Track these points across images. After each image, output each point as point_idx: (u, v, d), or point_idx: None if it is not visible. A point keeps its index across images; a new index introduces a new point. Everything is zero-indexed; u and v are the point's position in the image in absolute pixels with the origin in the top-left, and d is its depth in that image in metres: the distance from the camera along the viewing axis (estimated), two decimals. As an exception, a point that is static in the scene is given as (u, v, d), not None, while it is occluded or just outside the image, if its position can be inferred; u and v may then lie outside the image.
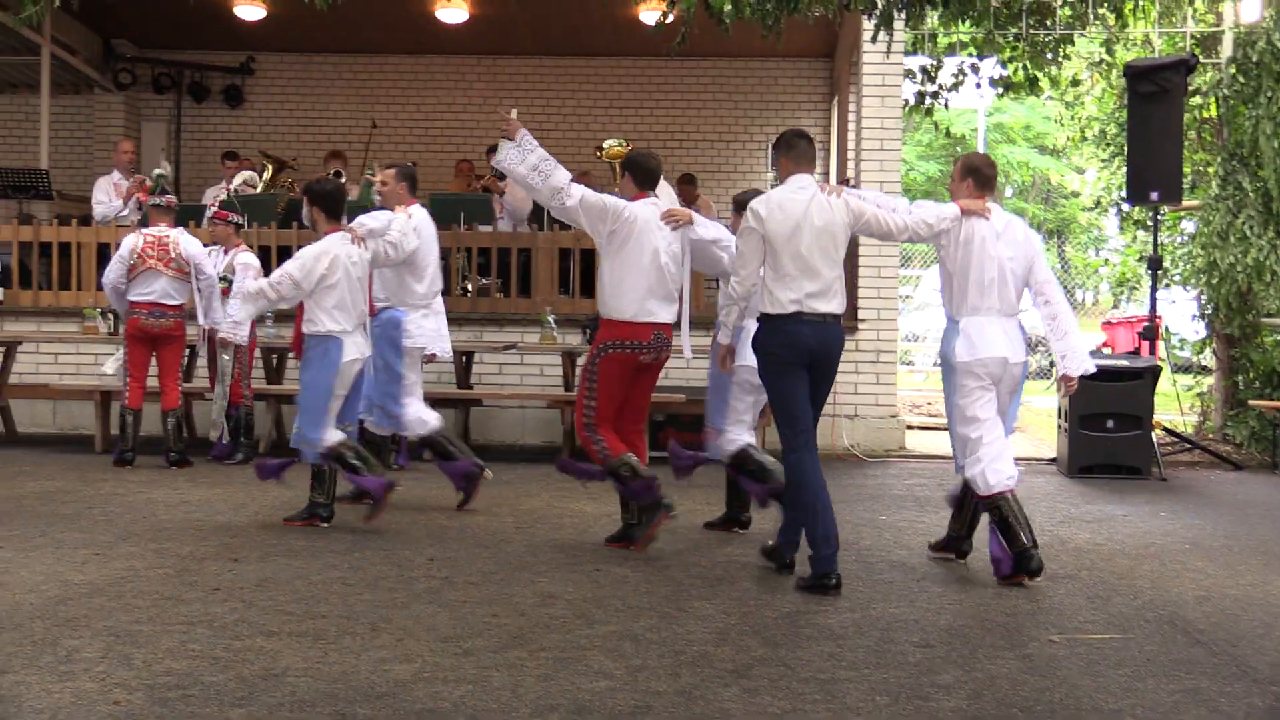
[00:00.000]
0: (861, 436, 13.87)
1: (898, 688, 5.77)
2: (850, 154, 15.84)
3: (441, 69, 18.87)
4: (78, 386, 13.49)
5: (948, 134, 21.11)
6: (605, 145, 14.56)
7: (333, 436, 9.13)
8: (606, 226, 8.51)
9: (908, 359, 24.25)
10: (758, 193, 8.32)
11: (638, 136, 16.69)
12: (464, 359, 13.42)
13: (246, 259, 12.00)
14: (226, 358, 11.83)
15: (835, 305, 7.76)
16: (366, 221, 9.69)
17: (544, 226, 14.36)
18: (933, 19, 12.89)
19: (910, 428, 14.83)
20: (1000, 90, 16.70)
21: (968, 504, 8.37)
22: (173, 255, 11.68)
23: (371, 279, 9.77)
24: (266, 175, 16.13)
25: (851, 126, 15.99)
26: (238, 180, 14.89)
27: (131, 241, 11.83)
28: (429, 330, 10.10)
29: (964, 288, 8.05)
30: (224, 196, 12.78)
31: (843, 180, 16.12)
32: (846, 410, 13.89)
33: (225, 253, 12.01)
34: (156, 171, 13.68)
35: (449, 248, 13.41)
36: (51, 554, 8.17)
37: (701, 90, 18.80)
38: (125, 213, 14.76)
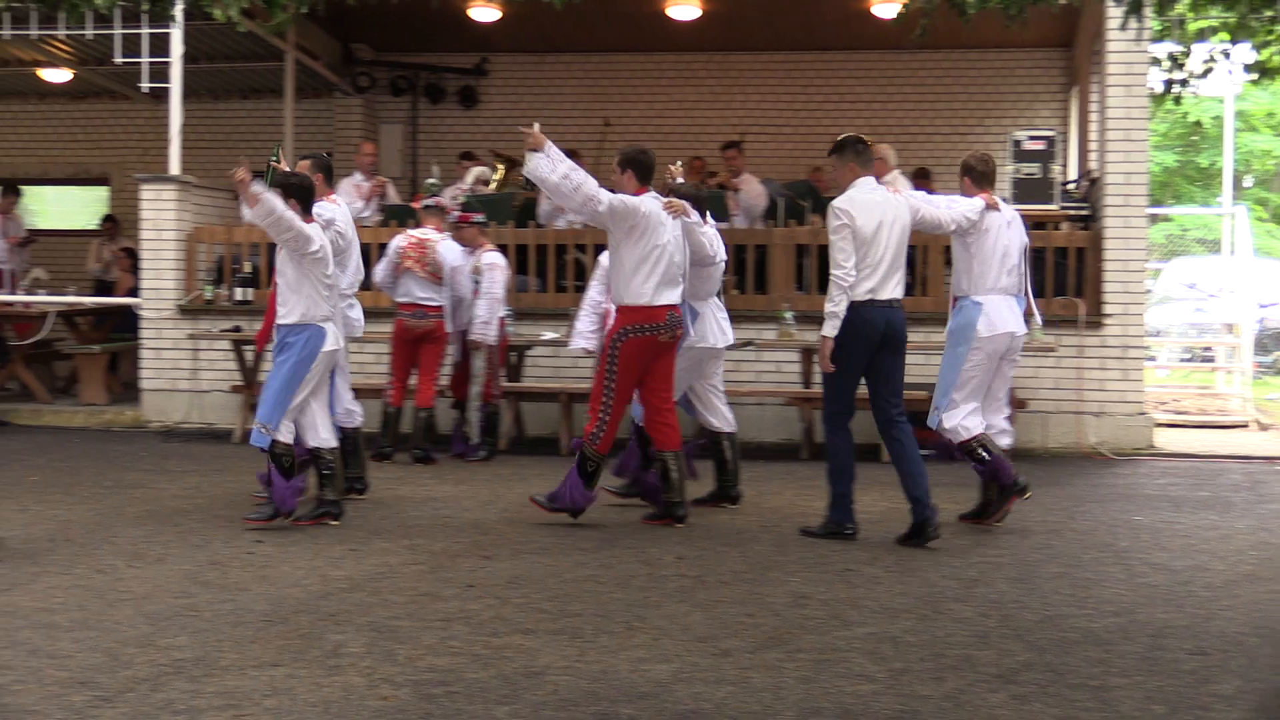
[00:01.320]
0: (1108, 434, 13.49)
1: (1175, 697, 5.56)
2: (1093, 145, 15.43)
3: (673, 66, 18.87)
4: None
5: (1198, 125, 20.46)
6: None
7: (286, 432, 8.97)
8: (628, 223, 9.02)
9: (1150, 354, 23.59)
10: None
11: (871, 131, 16.39)
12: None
13: (493, 259, 12.12)
14: (479, 359, 11.99)
15: (900, 291, 8.81)
16: (322, 212, 9.69)
17: (780, 223, 14.25)
18: (1183, 4, 12.46)
19: (1159, 425, 14.37)
20: (1255, 77, 16.10)
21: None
22: (430, 259, 11.85)
23: None
24: (499, 174, 16.30)
25: (1094, 117, 15.57)
26: (470, 178, 15.06)
27: (398, 241, 12.06)
28: (354, 321, 10.22)
29: (984, 271, 9.25)
30: (462, 198, 12.90)
31: (1085, 175, 15.75)
32: (1092, 408, 13.53)
33: (470, 253, 12.14)
34: (429, 181, 13.94)
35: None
36: (309, 549, 8.33)
37: (935, 83, 18.50)
38: (366, 214, 15.04)
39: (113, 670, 5.78)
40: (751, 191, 14.82)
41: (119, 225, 18.70)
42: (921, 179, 15.96)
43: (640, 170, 9.25)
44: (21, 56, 18.23)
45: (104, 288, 17.73)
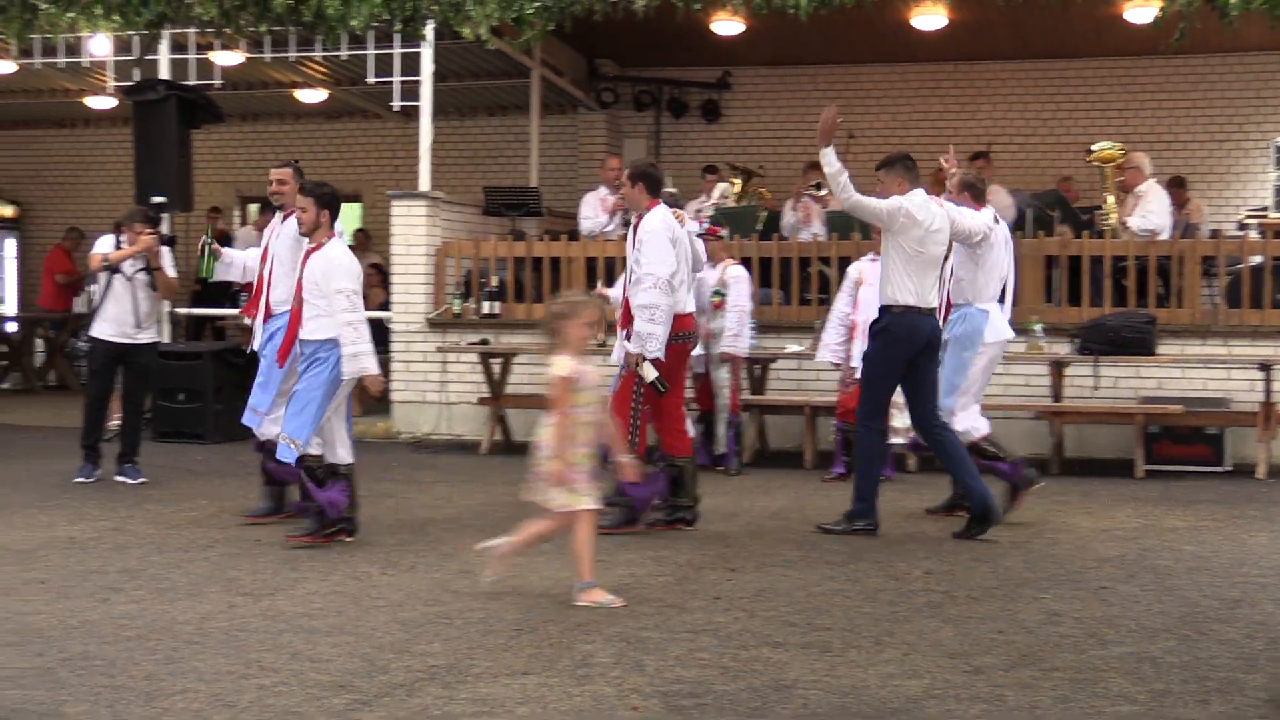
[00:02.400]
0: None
1: None
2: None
3: (917, 76, 18.67)
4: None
5: None
6: (1094, 148, 14.06)
7: (315, 445, 8.88)
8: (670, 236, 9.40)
9: None
10: None
11: (1124, 138, 16.04)
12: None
13: (738, 272, 12.14)
14: (724, 372, 12.02)
15: (936, 300, 9.40)
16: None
17: (1028, 234, 13.98)
18: None
19: None
20: None
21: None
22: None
23: (273, 279, 9.61)
24: (736, 187, 16.32)
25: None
26: (716, 193, 15.08)
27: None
28: None
29: (988, 281, 9.81)
30: (711, 211, 12.94)
31: None
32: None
33: (714, 266, 12.16)
34: (666, 191, 13.98)
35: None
36: (557, 559, 8.37)
37: (1190, 89, 17.97)
38: (611, 228, 15.17)
39: (370, 675, 5.89)
40: (999, 203, 14.52)
41: (370, 239, 19.19)
42: (1177, 187, 15.54)
43: (651, 184, 9.54)
44: (279, 79, 18.84)
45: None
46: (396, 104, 15.20)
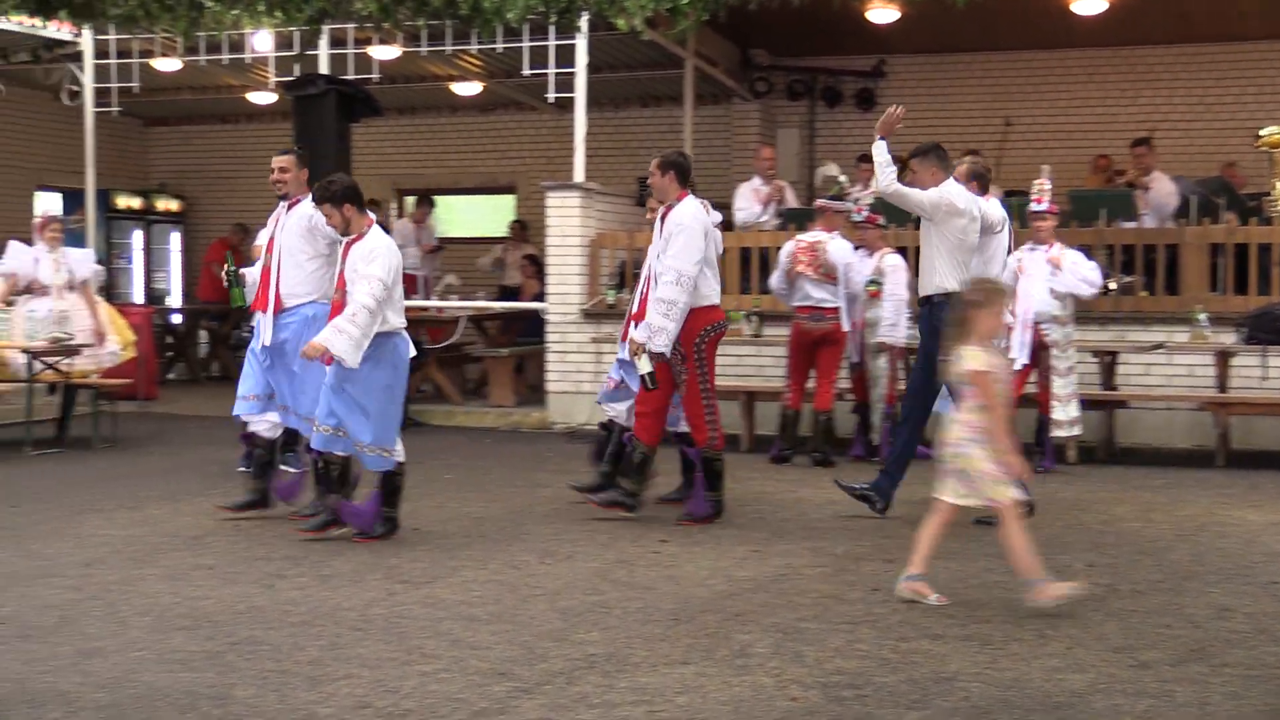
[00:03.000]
0: None
1: None
2: None
3: (1076, 62, 18.35)
4: (722, 386, 13.82)
5: None
6: (1263, 132, 13.69)
7: (402, 450, 8.69)
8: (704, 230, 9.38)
9: None
10: None
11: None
12: (1108, 359, 12.96)
13: (895, 261, 12.05)
14: (881, 362, 11.94)
15: None
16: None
17: (1192, 221, 13.68)
18: None
19: None
20: None
21: None
22: (821, 260, 11.84)
23: (282, 271, 9.29)
24: (893, 175, 16.11)
25: None
26: (873, 182, 14.91)
27: (789, 247, 12.11)
28: None
29: (991, 271, 9.55)
30: (870, 199, 12.82)
31: None
32: None
33: (870, 255, 12.07)
34: (829, 175, 13.91)
35: (1089, 245, 12.96)
36: (713, 549, 8.40)
37: (1365, 69, 17.47)
38: (765, 218, 15.12)
39: (530, 663, 5.93)
40: (1162, 190, 14.28)
41: (527, 230, 19.31)
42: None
43: (682, 174, 9.42)
44: (436, 72, 19.04)
45: (510, 293, 18.31)
46: (551, 96, 15.27)
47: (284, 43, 15.85)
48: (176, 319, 21.27)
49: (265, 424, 9.43)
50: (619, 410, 9.93)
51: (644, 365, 9.06)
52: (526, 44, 14.98)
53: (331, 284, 8.98)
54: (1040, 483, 10.99)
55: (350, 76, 15.44)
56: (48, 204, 20.17)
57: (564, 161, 16.16)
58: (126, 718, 5.24)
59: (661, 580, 7.56)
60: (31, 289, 12.94)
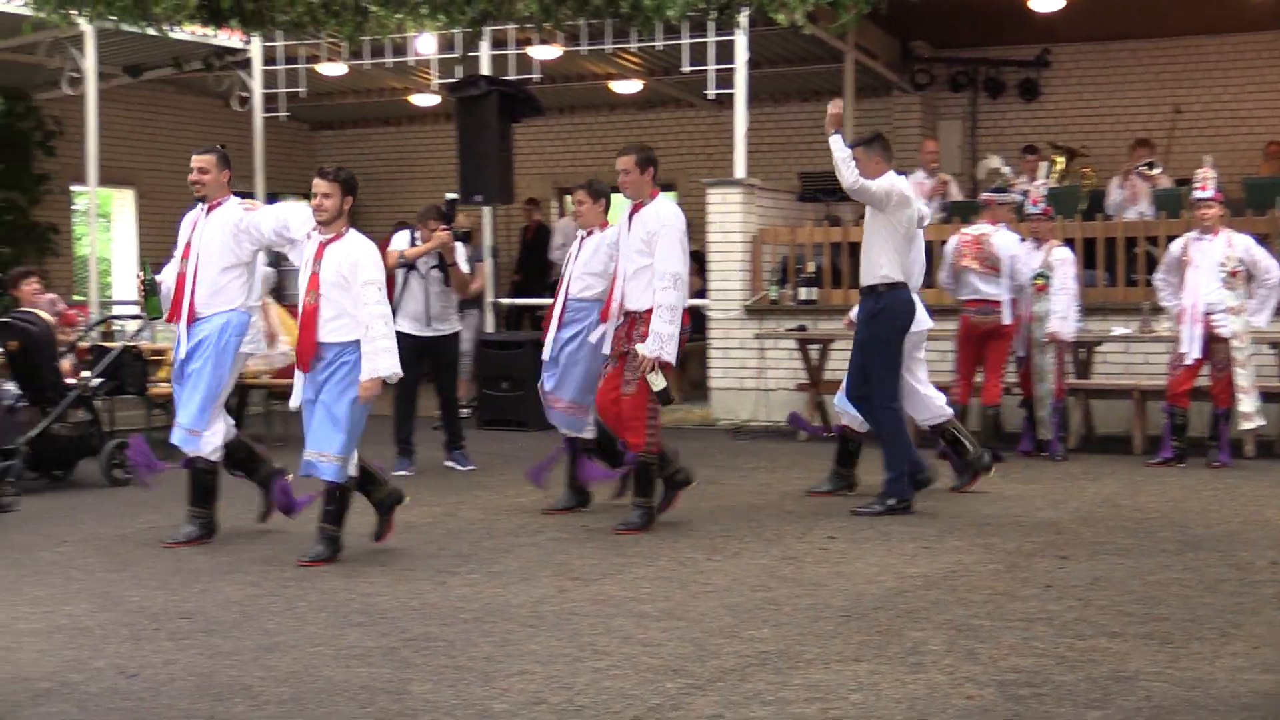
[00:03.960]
0: None
1: None
2: None
3: (1251, 46, 17.86)
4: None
5: None
6: None
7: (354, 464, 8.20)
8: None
9: None
10: None
11: None
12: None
13: (1063, 254, 11.86)
14: (1049, 356, 11.76)
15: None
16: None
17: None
18: None
19: None
20: None
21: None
22: (986, 253, 11.69)
23: (199, 278, 8.59)
24: (1059, 165, 15.92)
25: None
26: (1042, 172, 14.65)
27: (954, 241, 11.98)
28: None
29: (918, 264, 9.86)
30: (1044, 191, 12.59)
31: None
32: None
33: (1038, 247, 11.89)
34: (991, 167, 13.75)
35: (1264, 233, 12.62)
36: (881, 546, 8.34)
37: None
38: (928, 212, 14.94)
39: (701, 659, 5.93)
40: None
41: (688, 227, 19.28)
42: None
43: (655, 169, 9.29)
44: (595, 71, 19.13)
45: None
46: (711, 92, 15.24)
47: (446, 45, 16.02)
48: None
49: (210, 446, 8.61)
50: (854, 416, 9.99)
51: (659, 381, 8.75)
52: (686, 41, 14.97)
53: (250, 293, 8.76)
54: (1218, 477, 10.81)
55: (511, 77, 15.56)
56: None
57: (723, 158, 16.14)
58: (307, 712, 5.33)
59: (830, 577, 7.52)
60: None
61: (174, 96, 20.31)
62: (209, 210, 8.65)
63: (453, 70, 16.04)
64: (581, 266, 9.53)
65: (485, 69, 15.61)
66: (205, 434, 8.43)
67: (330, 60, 17.38)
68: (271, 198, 18.81)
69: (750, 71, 15.31)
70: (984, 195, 12.46)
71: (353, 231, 8.15)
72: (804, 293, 14.72)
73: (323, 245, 8.07)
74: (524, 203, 19.50)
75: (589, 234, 9.66)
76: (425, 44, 16.07)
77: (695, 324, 16.04)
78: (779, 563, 7.90)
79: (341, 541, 8.09)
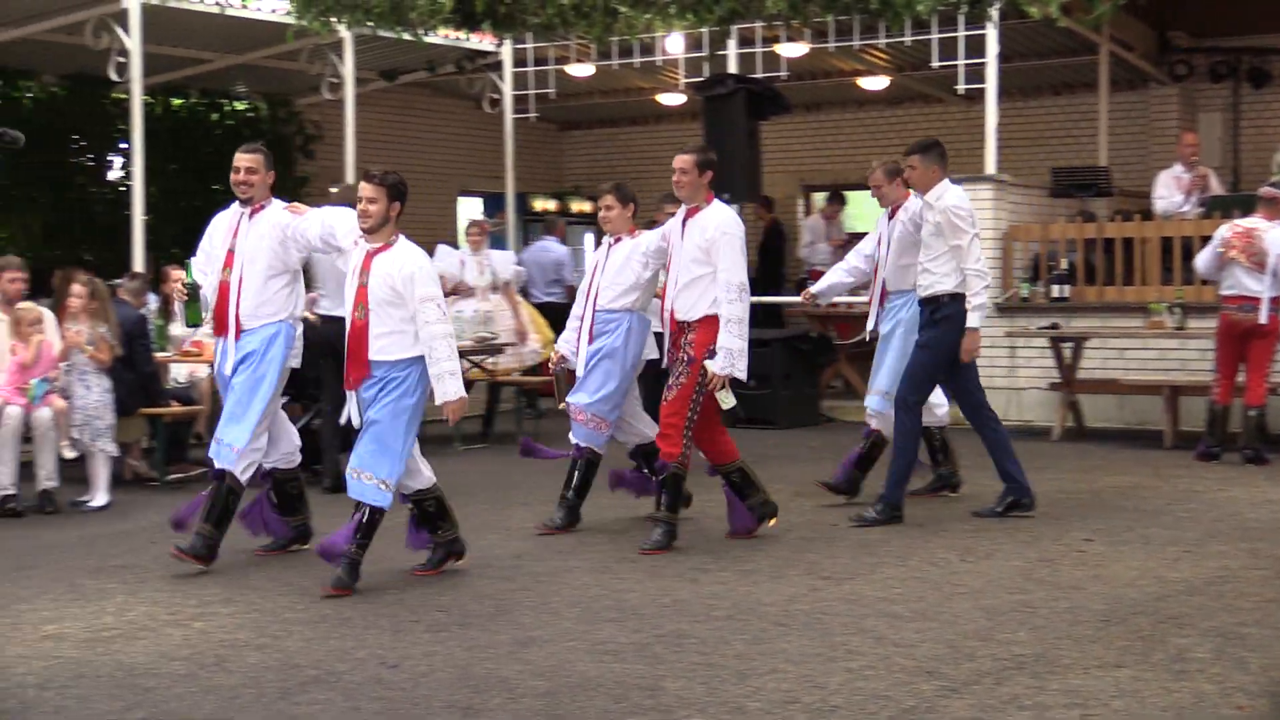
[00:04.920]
0: None
1: None
2: None
3: None
4: (1144, 381, 13.42)
5: None
6: None
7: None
8: None
9: None
10: None
11: None
12: None
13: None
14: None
15: None
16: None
17: None
18: None
19: None
20: None
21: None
22: (1255, 249, 11.31)
23: (244, 289, 8.06)
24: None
25: None
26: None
27: (1224, 231, 11.62)
28: None
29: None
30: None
31: None
32: None
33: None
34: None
35: None
36: (1141, 549, 8.13)
37: None
38: (1186, 208, 14.53)
39: (955, 661, 5.84)
40: None
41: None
42: None
43: (715, 172, 8.61)
44: (842, 67, 19.02)
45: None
46: (961, 87, 15.01)
47: (694, 44, 16.07)
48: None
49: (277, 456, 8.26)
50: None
51: (729, 399, 8.33)
52: (935, 36, 14.75)
53: (298, 303, 8.21)
54: None
55: (758, 75, 15.53)
56: (470, 209, 21.01)
57: (972, 154, 15.86)
58: (563, 706, 5.39)
59: (1088, 580, 7.35)
60: (458, 290, 13.47)
61: (426, 99, 20.75)
62: (252, 214, 8.09)
63: (700, 69, 16.08)
64: (612, 276, 9.02)
65: (732, 67, 15.61)
66: (245, 450, 7.86)
67: (579, 61, 17.57)
68: (520, 198, 19.17)
69: (1001, 65, 15.04)
70: (1264, 189, 12.02)
71: (403, 240, 7.50)
72: (1056, 290, 14.39)
73: (370, 255, 7.44)
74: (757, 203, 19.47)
75: (617, 240, 9.12)
76: (673, 43, 16.14)
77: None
78: (1034, 565, 7.75)
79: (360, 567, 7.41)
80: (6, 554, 8.54)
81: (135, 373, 10.92)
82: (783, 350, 14.85)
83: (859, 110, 21.21)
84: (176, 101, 18.16)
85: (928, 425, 9.66)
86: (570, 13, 13.06)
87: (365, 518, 7.35)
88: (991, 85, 14.76)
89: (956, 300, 9.00)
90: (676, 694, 5.48)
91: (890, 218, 9.85)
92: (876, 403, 9.78)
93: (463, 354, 12.90)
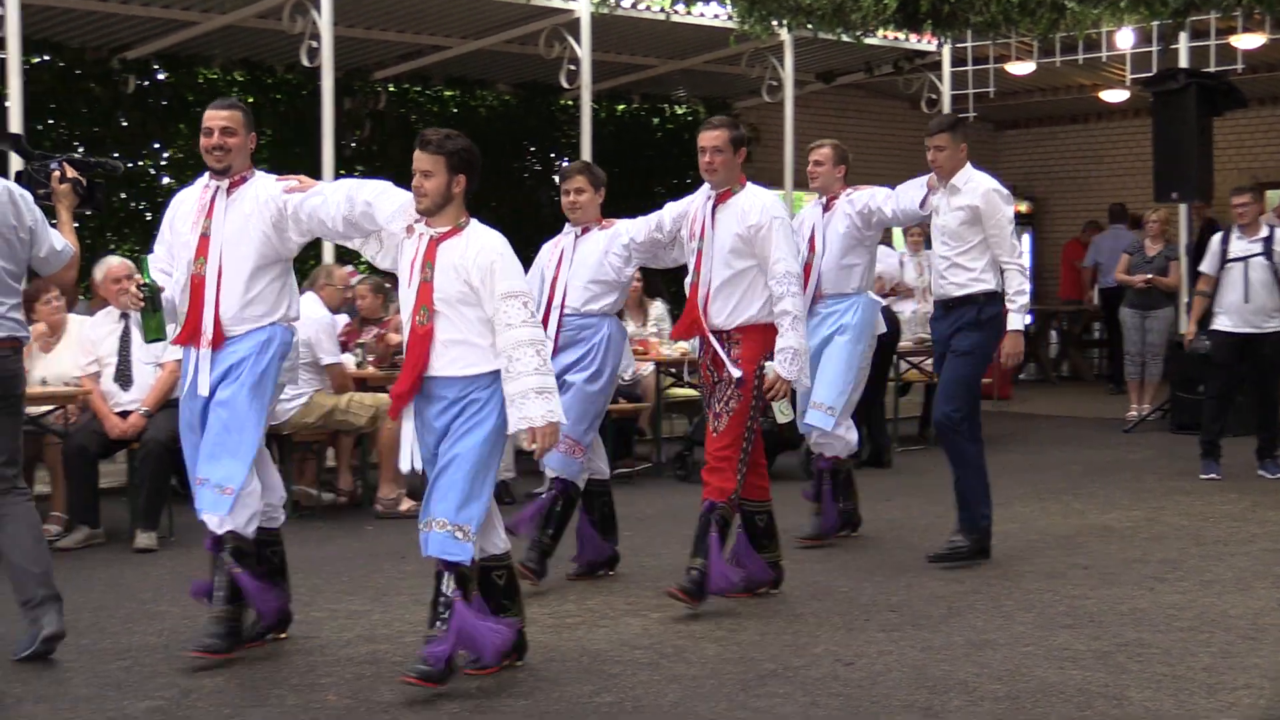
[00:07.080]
0: None
1: None
2: None
3: None
4: None
5: None
6: None
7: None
8: None
9: None
10: None
11: None
12: None
13: None
14: None
15: None
16: None
17: None
18: None
19: None
20: None
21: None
22: None
23: (222, 288, 6.19)
24: None
25: None
26: None
27: None
28: None
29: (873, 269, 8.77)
30: None
31: None
32: None
33: None
34: None
35: None
36: None
37: None
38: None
39: None
40: None
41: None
42: None
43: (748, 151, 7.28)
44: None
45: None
46: None
47: (1142, 38, 15.59)
48: (1028, 319, 21.41)
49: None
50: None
51: (788, 412, 7.43)
52: None
53: (291, 303, 6.32)
54: None
55: (1211, 68, 14.95)
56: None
57: None
58: (1024, 710, 5.32)
59: None
60: (896, 291, 13.43)
61: (861, 100, 20.76)
62: (230, 189, 6.24)
63: (1147, 64, 15.59)
64: (587, 272, 7.46)
65: (1183, 61, 15.08)
66: (242, 494, 6.03)
67: (1019, 59, 17.27)
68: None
69: None
70: None
71: (475, 223, 5.83)
72: None
73: (434, 242, 5.77)
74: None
75: (584, 231, 7.55)
76: (1123, 38, 15.68)
77: None
78: None
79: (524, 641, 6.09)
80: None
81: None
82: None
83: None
84: (619, 107, 18.68)
85: (837, 454, 8.55)
86: (1015, 10, 12.85)
87: (454, 579, 5.65)
88: None
89: (996, 300, 7.98)
90: (1142, 704, 5.35)
91: (826, 209, 8.52)
92: (819, 418, 8.30)
93: (901, 355, 12.92)
